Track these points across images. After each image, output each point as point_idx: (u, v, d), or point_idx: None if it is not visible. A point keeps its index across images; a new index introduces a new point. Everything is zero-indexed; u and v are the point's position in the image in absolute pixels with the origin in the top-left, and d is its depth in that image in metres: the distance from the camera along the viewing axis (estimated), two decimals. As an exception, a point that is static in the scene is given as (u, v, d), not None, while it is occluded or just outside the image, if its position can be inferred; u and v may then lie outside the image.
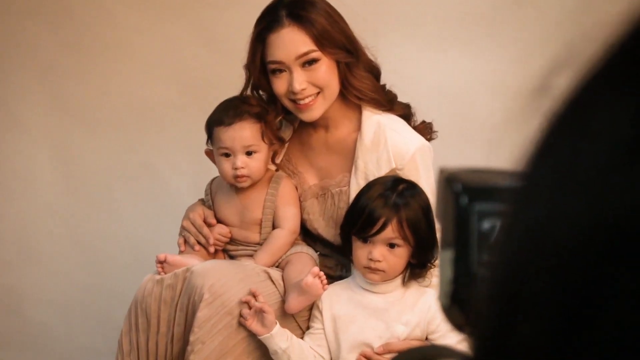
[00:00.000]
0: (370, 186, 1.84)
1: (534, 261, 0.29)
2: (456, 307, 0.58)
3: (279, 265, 1.98)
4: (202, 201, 2.08)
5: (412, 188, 1.83)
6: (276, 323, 1.81)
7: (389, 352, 1.80)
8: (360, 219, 1.79)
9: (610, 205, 0.26)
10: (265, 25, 1.87)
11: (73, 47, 2.92)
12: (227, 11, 2.82)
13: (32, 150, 2.99)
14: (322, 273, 1.81)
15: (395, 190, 1.80)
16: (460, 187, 0.59)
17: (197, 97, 2.87)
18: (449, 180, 0.60)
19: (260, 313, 1.78)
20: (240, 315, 1.80)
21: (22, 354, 3.01)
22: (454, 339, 1.77)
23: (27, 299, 3.03)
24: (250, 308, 1.79)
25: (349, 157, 1.98)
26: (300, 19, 1.84)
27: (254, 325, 1.79)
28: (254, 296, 1.79)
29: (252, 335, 1.82)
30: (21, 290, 3.03)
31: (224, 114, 1.91)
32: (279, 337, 1.80)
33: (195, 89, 2.88)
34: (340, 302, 1.86)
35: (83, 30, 2.91)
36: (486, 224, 0.58)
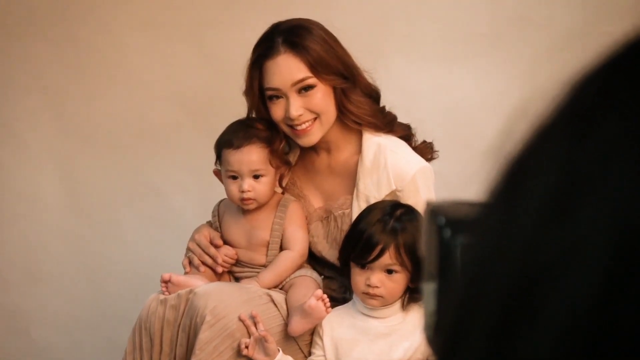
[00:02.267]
0: (368, 211, 1.85)
1: (474, 296, 0.33)
2: (439, 337, 0.60)
3: (283, 287, 1.99)
4: (209, 223, 2.09)
5: (410, 213, 1.84)
6: (278, 351, 1.81)
7: None
8: (358, 245, 1.80)
9: (540, 253, 0.30)
10: (262, 52, 1.90)
11: (77, 69, 2.94)
12: (229, 32, 2.84)
13: (37, 172, 3.00)
14: (325, 296, 1.82)
15: (393, 215, 1.81)
16: (444, 220, 0.60)
17: (200, 117, 2.89)
18: (433, 213, 0.62)
19: (261, 341, 1.79)
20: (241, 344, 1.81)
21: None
22: None
23: (32, 319, 3.04)
24: (250, 336, 1.80)
25: (351, 179, 1.99)
26: (295, 45, 1.86)
27: (255, 354, 1.79)
28: (255, 322, 1.80)
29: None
30: (26, 311, 3.04)
31: (234, 136, 1.93)
32: None
33: (198, 109, 2.90)
34: (342, 326, 1.87)
35: (87, 52, 2.93)
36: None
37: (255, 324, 1.80)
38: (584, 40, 2.83)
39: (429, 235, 0.62)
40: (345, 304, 1.92)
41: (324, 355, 1.86)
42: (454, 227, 0.59)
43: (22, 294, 3.03)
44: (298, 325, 1.84)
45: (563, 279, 0.29)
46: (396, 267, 1.79)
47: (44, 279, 3.02)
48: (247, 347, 1.79)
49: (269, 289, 1.95)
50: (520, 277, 0.30)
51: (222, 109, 2.74)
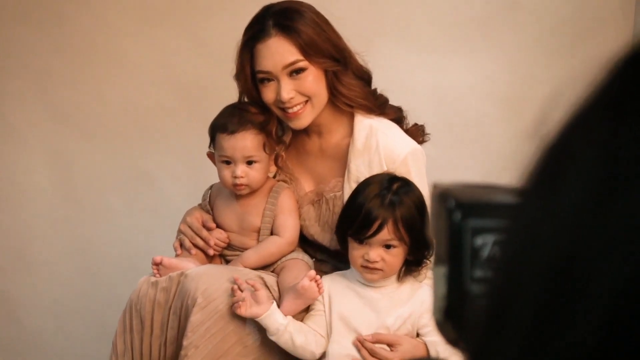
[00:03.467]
0: (366, 185, 1.85)
1: (516, 283, 0.33)
2: (449, 322, 0.59)
3: (274, 270, 1.99)
4: (200, 206, 2.08)
5: (406, 185, 1.84)
6: (272, 299, 1.81)
7: (378, 341, 1.81)
8: (356, 220, 1.80)
9: (586, 237, 0.30)
10: (253, 34, 1.89)
11: (67, 54, 2.92)
12: (218, 16, 2.83)
13: (27, 158, 2.98)
14: (318, 277, 1.82)
15: (390, 189, 1.81)
16: (454, 203, 0.59)
17: (190, 102, 2.88)
18: (442, 196, 0.61)
19: (252, 294, 1.77)
20: (233, 306, 1.78)
21: (17, 359, 3.01)
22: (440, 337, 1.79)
23: (22, 305, 3.03)
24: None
25: (343, 162, 1.99)
26: (286, 28, 1.86)
27: (250, 309, 1.77)
28: (238, 285, 1.78)
29: (246, 339, 1.82)
30: (17, 296, 3.03)
31: (228, 121, 1.92)
32: (278, 313, 1.80)
33: (189, 94, 2.89)
34: (338, 288, 1.87)
35: (77, 37, 2.91)
36: (479, 240, 0.58)
37: (239, 287, 1.78)
38: (574, 26, 2.84)
39: (438, 218, 0.61)
40: (344, 272, 1.93)
41: (324, 310, 1.87)
42: (464, 210, 0.58)
43: (12, 279, 3.02)
44: (291, 306, 1.84)
45: (608, 263, 0.29)
46: (394, 242, 1.80)
47: (34, 264, 3.02)
48: (240, 307, 1.77)
49: (253, 269, 1.94)
50: (564, 261, 0.30)
51: (214, 95, 2.73)
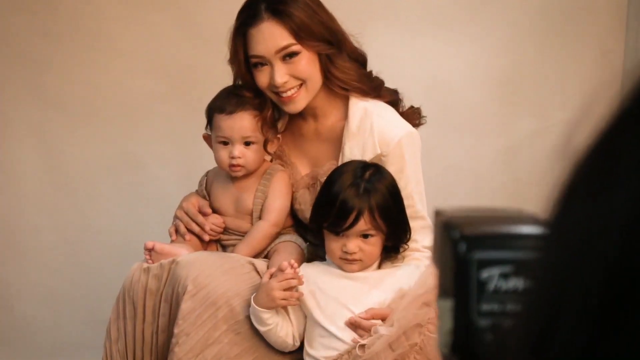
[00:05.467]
0: (339, 174, 1.82)
1: (562, 299, 0.33)
2: (456, 356, 0.58)
3: (267, 254, 1.98)
4: (196, 192, 2.07)
5: (378, 172, 1.82)
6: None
7: (372, 317, 1.79)
8: (331, 212, 1.77)
9: (633, 251, 0.30)
10: (245, 19, 1.87)
11: (55, 38, 2.89)
12: (209, 1, 2.80)
13: (16, 143, 2.96)
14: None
15: (363, 177, 1.78)
16: (458, 234, 0.58)
17: (180, 87, 2.85)
18: (446, 226, 0.59)
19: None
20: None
21: (9, 347, 2.99)
22: None
23: (13, 292, 3.02)
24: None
25: (337, 145, 1.98)
26: (279, 12, 1.84)
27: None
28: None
29: (237, 326, 1.81)
30: (8, 283, 3.02)
31: (226, 102, 1.91)
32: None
33: (178, 79, 2.87)
34: (318, 273, 1.84)
35: (65, 21, 2.88)
36: (485, 273, 0.57)
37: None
38: (565, 7, 2.81)
39: (442, 248, 0.60)
40: (321, 262, 1.90)
41: (299, 305, 1.84)
42: (470, 242, 0.57)
43: (3, 267, 3.01)
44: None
45: None
46: (372, 231, 1.78)
47: (24, 251, 3.00)
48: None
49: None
50: (620, 268, 0.30)
51: (203, 80, 2.71)
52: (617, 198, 0.31)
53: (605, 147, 0.33)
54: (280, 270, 1.77)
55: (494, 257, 0.56)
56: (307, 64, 1.87)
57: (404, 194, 1.86)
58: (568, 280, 0.33)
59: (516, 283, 0.56)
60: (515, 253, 0.56)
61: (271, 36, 1.84)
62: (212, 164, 2.03)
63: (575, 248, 0.33)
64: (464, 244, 0.57)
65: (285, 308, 1.84)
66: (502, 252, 0.57)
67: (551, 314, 0.34)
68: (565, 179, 0.35)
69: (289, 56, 1.86)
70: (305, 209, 2.00)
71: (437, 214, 0.62)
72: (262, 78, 1.88)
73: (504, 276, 0.56)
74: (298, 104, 1.90)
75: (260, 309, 1.77)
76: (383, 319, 1.78)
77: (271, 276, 1.78)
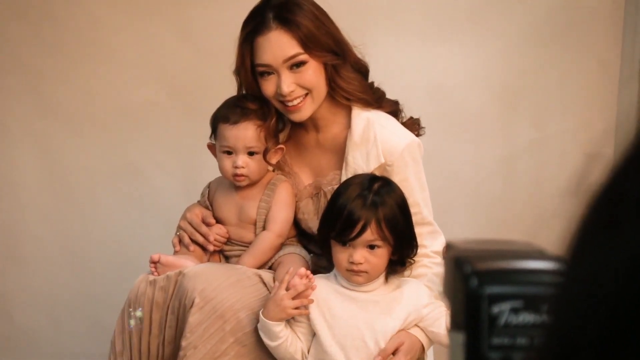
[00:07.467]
0: (346, 186, 1.83)
1: (580, 335, 0.34)
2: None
3: (272, 266, 1.99)
4: (199, 203, 2.08)
5: (387, 185, 1.83)
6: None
7: (387, 355, 1.79)
8: (338, 222, 1.78)
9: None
10: (253, 28, 1.87)
11: (56, 48, 2.90)
12: (208, 10, 2.81)
13: (16, 152, 2.96)
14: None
15: (371, 189, 1.79)
16: (470, 269, 0.59)
17: (180, 96, 2.86)
18: (458, 261, 0.60)
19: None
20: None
21: (10, 358, 3.00)
22: (443, 325, 1.79)
23: (14, 302, 3.02)
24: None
25: (340, 154, 1.98)
26: (287, 21, 1.84)
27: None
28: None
29: (244, 338, 1.82)
30: (8, 294, 3.02)
31: (231, 112, 1.92)
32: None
33: (178, 88, 2.87)
34: (329, 295, 1.84)
35: (65, 31, 2.89)
36: (496, 308, 0.58)
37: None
38: (566, 14, 2.82)
39: (453, 282, 0.61)
40: (327, 275, 1.90)
41: (307, 323, 1.84)
42: (481, 277, 0.58)
43: (3, 276, 3.01)
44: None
45: None
46: (378, 242, 1.78)
47: (25, 261, 3.00)
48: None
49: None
50: (627, 304, 0.32)
51: (202, 88, 2.71)
52: (624, 236, 0.32)
53: (612, 192, 0.34)
54: (299, 275, 1.78)
55: (505, 292, 0.57)
56: (314, 73, 1.88)
57: (409, 201, 1.86)
58: (584, 316, 0.34)
59: (526, 317, 0.57)
60: (525, 288, 0.57)
61: (279, 45, 1.84)
62: (213, 173, 2.03)
63: (589, 284, 0.34)
64: (475, 279, 0.58)
65: (293, 326, 1.84)
66: (513, 287, 0.58)
67: (569, 350, 0.35)
68: (579, 217, 0.36)
69: (296, 66, 1.86)
70: (309, 219, 2.01)
71: (448, 248, 0.63)
72: (268, 87, 1.89)
73: (515, 310, 0.57)
74: (303, 113, 1.91)
75: (270, 322, 1.78)
76: (394, 352, 1.80)
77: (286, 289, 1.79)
